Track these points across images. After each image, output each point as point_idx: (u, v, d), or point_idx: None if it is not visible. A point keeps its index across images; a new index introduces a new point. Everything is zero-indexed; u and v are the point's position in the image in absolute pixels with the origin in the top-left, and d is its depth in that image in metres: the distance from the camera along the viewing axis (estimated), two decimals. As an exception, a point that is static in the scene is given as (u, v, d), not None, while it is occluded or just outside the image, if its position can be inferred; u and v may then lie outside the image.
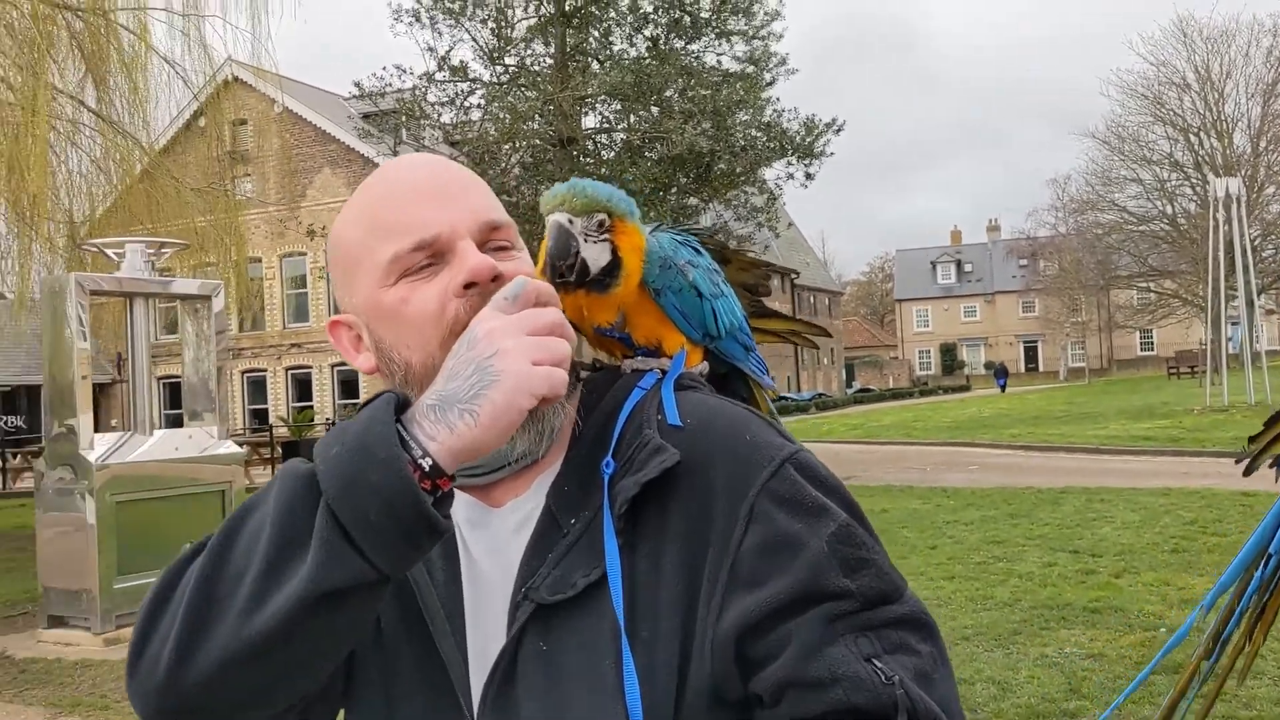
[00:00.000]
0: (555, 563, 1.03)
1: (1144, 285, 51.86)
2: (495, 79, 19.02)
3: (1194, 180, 43.61)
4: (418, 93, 18.66)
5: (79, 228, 14.12)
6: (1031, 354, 76.01)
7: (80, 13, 12.89)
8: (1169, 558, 9.15)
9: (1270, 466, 1.33)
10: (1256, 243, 40.03)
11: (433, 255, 1.05)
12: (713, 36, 18.77)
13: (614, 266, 1.19)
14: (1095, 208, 48.81)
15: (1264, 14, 64.81)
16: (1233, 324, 34.05)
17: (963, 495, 14.22)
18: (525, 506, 1.09)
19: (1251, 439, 1.40)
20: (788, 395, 54.72)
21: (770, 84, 18.81)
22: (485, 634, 1.07)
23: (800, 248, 70.35)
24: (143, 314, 9.51)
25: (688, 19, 18.37)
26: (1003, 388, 56.55)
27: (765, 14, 19.00)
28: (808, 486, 1.02)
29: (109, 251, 9.83)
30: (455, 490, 0.99)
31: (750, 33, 18.84)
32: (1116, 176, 47.47)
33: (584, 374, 1.22)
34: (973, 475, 16.95)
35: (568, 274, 1.16)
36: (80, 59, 13.27)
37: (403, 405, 0.95)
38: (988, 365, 77.34)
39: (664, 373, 1.20)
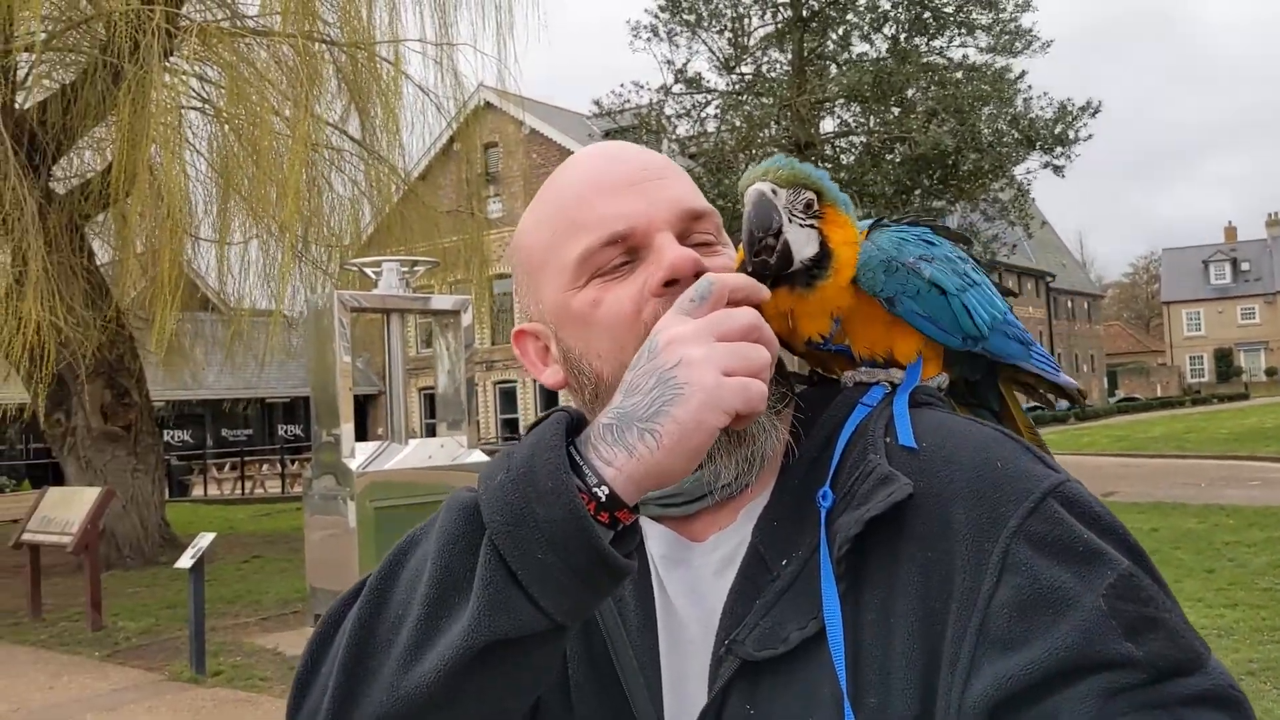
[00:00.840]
0: (764, 611, 0.88)
1: None
2: (730, 88, 19.04)
3: None
4: (654, 106, 18.94)
5: (346, 250, 15.09)
6: (1323, 359, 69.24)
7: (344, 47, 13.77)
8: None
9: None
10: None
11: (628, 251, 0.93)
12: (956, 30, 18.06)
13: (823, 258, 1.01)
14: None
15: None
16: None
17: (1245, 514, 13.03)
18: (730, 542, 0.95)
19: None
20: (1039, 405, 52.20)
21: (1021, 75, 17.91)
22: (683, 691, 0.93)
23: (1055, 248, 67.01)
24: (398, 329, 9.99)
25: (929, 15, 17.76)
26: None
27: (1016, 4, 18.11)
28: (1078, 526, 0.83)
29: (368, 270, 10.40)
30: (648, 522, 0.91)
31: (997, 26, 18.00)
32: None
33: (798, 388, 1.06)
34: (1255, 492, 15.56)
35: (768, 255, 0.98)
36: (344, 90, 14.16)
37: (578, 425, 0.83)
38: (1269, 371, 71.17)
39: (894, 386, 1.01)
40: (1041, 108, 17.88)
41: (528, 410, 34.72)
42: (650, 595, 0.98)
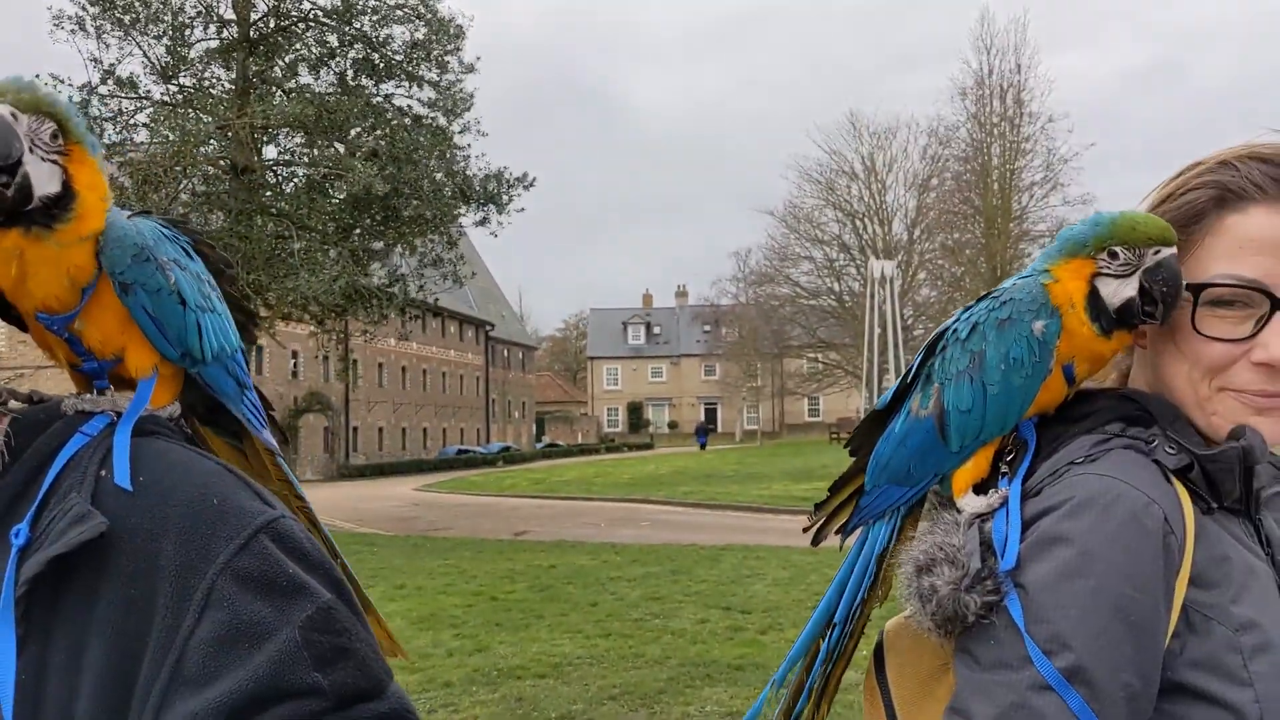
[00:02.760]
0: None
1: (812, 355, 55.88)
2: (168, 98, 17.80)
3: (858, 261, 47.52)
4: (78, 105, 17.17)
5: None
6: (711, 415, 79.59)
7: None
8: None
9: (836, 534, 1.28)
10: (909, 321, 44.05)
11: None
12: (403, 79, 18.49)
13: (66, 199, 0.91)
14: (773, 280, 52.32)
15: (921, 115, 72.19)
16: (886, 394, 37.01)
17: (630, 551, 14.43)
18: None
19: (818, 506, 1.35)
20: (473, 448, 54.42)
21: (461, 132, 18.74)
22: None
23: (497, 300, 70.64)
24: None
25: (377, 57, 18.00)
26: (703, 445, 58.84)
27: (461, 65, 18.97)
28: (285, 561, 0.84)
29: None
30: None
31: (443, 82, 18.72)
32: (792, 253, 51.19)
33: (9, 404, 0.94)
34: (643, 532, 17.31)
35: (4, 187, 0.87)
36: None
37: None
38: (671, 424, 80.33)
39: (119, 415, 0.93)
40: (478, 168, 18.86)
41: None
42: None
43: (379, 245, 18.29)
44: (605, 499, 25.07)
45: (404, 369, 52.68)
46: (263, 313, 16.38)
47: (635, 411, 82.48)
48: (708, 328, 71.29)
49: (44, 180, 0.90)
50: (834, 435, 56.18)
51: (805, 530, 1.45)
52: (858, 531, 1.33)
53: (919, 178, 48.87)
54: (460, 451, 51.48)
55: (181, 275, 1.02)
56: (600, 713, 6.47)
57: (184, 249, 1.06)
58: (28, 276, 0.93)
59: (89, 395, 0.97)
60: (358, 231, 17.70)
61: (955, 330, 1.26)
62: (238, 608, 0.80)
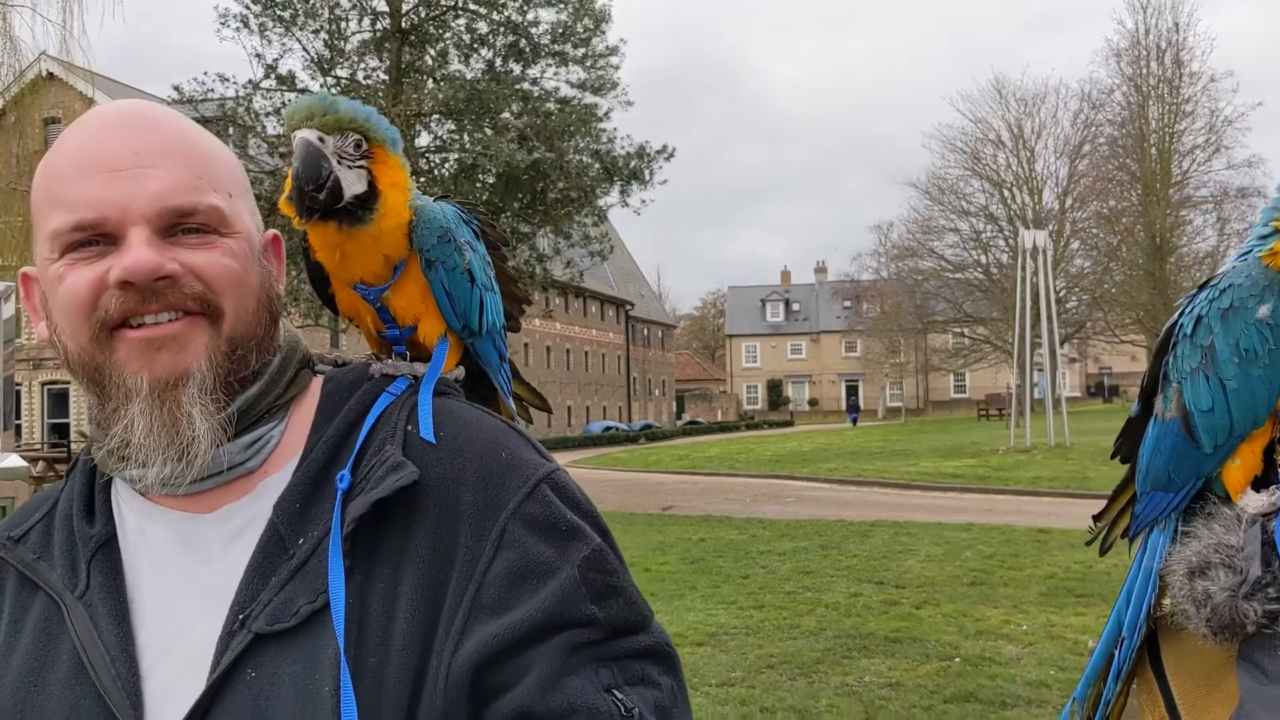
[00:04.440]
0: (278, 587, 0.93)
1: (958, 330, 54.47)
2: (326, 90, 18.53)
3: (1006, 233, 46.14)
4: (242, 100, 18.03)
5: None
6: (853, 391, 78.59)
7: None
8: (968, 590, 9.50)
9: (1124, 537, 1.25)
10: (1061, 294, 42.62)
11: (99, 235, 0.94)
12: (550, 62, 18.82)
13: (370, 198, 1.08)
14: (915, 254, 51.15)
15: (1071, 79, 69.43)
16: (1038, 370, 36.06)
17: (778, 527, 14.49)
18: (243, 514, 0.98)
19: (1096, 517, 1.32)
20: (617, 425, 55.05)
21: (607, 113, 18.99)
22: (176, 665, 0.94)
23: (636, 280, 71.11)
24: (-82, 316, 8.78)
25: (525, 43, 18.36)
26: (854, 421, 58.30)
27: (606, 46, 19.20)
28: (563, 508, 0.98)
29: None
30: (143, 503, 1.00)
31: (588, 61, 18.97)
32: (936, 226, 49.94)
33: (321, 368, 1.11)
34: (789, 508, 17.31)
35: (316, 204, 1.05)
36: None
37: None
38: (811, 401, 79.66)
39: (416, 378, 1.09)
40: (622, 146, 19.06)
41: (80, 415, 31.54)
42: (120, 583, 0.98)
43: (527, 228, 18.71)
44: (749, 475, 25.12)
45: (548, 348, 53.60)
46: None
47: (775, 389, 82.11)
48: (848, 303, 70.28)
49: (352, 184, 1.07)
50: (983, 412, 54.86)
51: (1087, 544, 1.36)
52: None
53: (1070, 144, 47.09)
54: (606, 428, 52.18)
55: (474, 256, 1.18)
56: (760, 680, 6.59)
57: (474, 231, 1.22)
58: (348, 258, 1.10)
59: (390, 360, 1.13)
60: (507, 214, 18.14)
61: (1181, 325, 1.18)
62: (526, 548, 0.94)
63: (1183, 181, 39.37)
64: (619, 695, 0.91)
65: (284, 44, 18.47)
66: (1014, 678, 6.54)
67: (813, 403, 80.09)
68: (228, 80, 18.20)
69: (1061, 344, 38.62)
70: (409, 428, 1.01)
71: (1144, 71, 39.81)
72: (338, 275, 1.12)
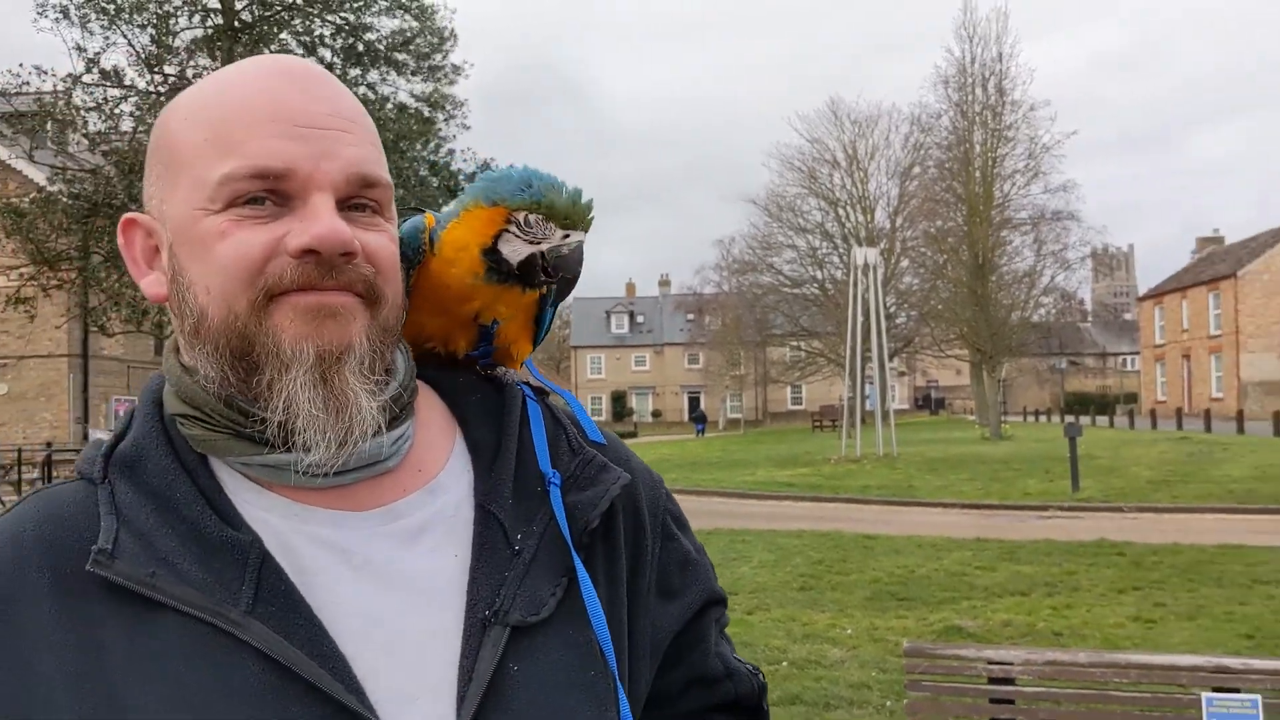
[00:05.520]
0: (519, 581, 0.91)
1: (795, 344, 56.01)
2: (153, 88, 17.79)
3: (841, 250, 47.69)
4: (61, 95, 17.12)
5: None
6: (695, 404, 79.78)
7: None
8: (797, 595, 9.78)
9: None
10: (891, 310, 44.31)
11: (275, 193, 0.85)
12: (388, 69, 18.53)
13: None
14: (755, 269, 52.43)
15: (903, 103, 72.45)
16: (868, 382, 37.34)
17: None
18: (417, 512, 0.93)
19: None
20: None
21: (446, 120, 18.79)
22: (406, 669, 0.86)
23: (479, 290, 70.36)
24: None
25: (363, 48, 18.04)
26: (700, 432, 58.99)
27: (452, 65, 19.03)
28: (677, 503, 1.15)
29: None
30: (274, 502, 0.89)
31: (427, 74, 18.75)
32: (775, 242, 51.34)
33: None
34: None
35: (541, 283, 1.09)
36: None
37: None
38: (654, 413, 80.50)
39: (527, 385, 1.13)
40: (464, 161, 18.91)
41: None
42: (283, 580, 0.85)
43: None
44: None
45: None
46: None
47: (619, 400, 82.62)
48: (691, 316, 71.36)
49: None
50: (817, 423, 56.42)
51: None
52: None
53: (901, 165, 49.06)
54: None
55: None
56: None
57: None
58: (506, 306, 1.11)
59: (504, 368, 1.15)
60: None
61: None
62: (680, 540, 1.10)
63: (1004, 204, 41.36)
64: (740, 658, 1.13)
65: (107, 37, 17.63)
66: (837, 680, 6.76)
67: (656, 414, 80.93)
68: (45, 73, 17.26)
69: (891, 358, 40.16)
70: (576, 429, 1.06)
71: (970, 98, 41.69)
72: (465, 313, 1.10)
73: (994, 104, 41.24)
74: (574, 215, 1.07)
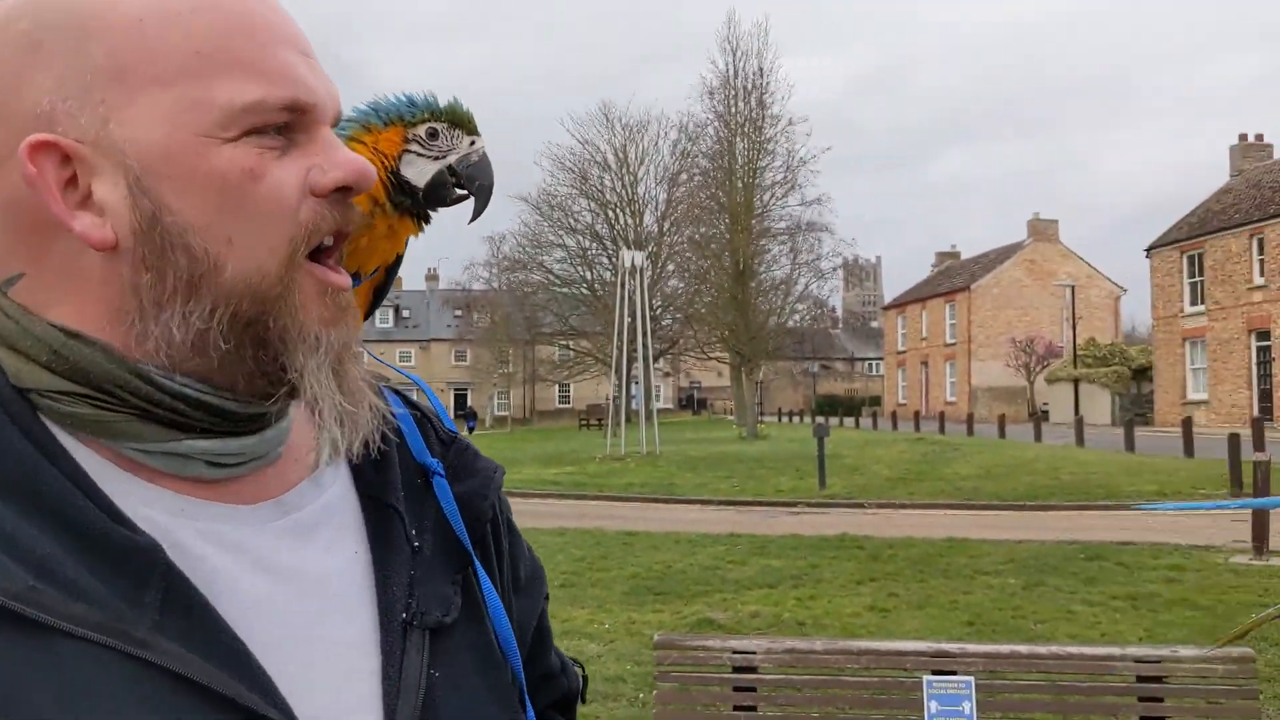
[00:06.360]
0: (426, 580, 0.83)
1: (564, 343, 56.45)
2: None
3: (610, 251, 48.43)
4: None
5: None
6: (461, 401, 79.09)
7: None
8: (558, 592, 9.86)
9: None
10: (657, 312, 45.35)
11: (291, 126, 0.73)
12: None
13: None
14: (525, 267, 52.51)
15: (672, 111, 74.33)
16: (634, 382, 38.11)
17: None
18: (306, 505, 0.80)
19: None
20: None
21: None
22: (325, 679, 0.75)
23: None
24: None
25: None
26: (471, 429, 58.26)
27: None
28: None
29: None
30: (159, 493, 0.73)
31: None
32: (545, 241, 51.58)
33: None
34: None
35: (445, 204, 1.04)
36: None
37: None
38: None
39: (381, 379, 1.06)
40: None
41: None
42: (187, 586, 0.71)
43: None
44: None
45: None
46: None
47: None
48: (459, 312, 70.71)
49: None
50: (584, 421, 57.10)
51: None
52: None
53: (669, 171, 50.33)
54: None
55: None
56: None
57: None
58: (390, 248, 1.06)
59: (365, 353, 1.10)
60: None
61: None
62: (516, 532, 1.02)
63: (763, 214, 43.13)
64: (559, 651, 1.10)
65: None
66: (594, 674, 6.89)
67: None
68: None
69: (656, 359, 41.12)
70: (437, 420, 0.98)
71: (733, 110, 43.22)
72: (355, 261, 1.02)
73: (755, 117, 42.94)
74: (473, 120, 1.02)
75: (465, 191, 1.02)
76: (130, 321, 0.71)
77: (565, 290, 51.62)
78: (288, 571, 0.76)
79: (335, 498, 0.83)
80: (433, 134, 0.98)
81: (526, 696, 0.91)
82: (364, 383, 0.79)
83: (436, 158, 0.99)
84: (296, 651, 0.74)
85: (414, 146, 0.98)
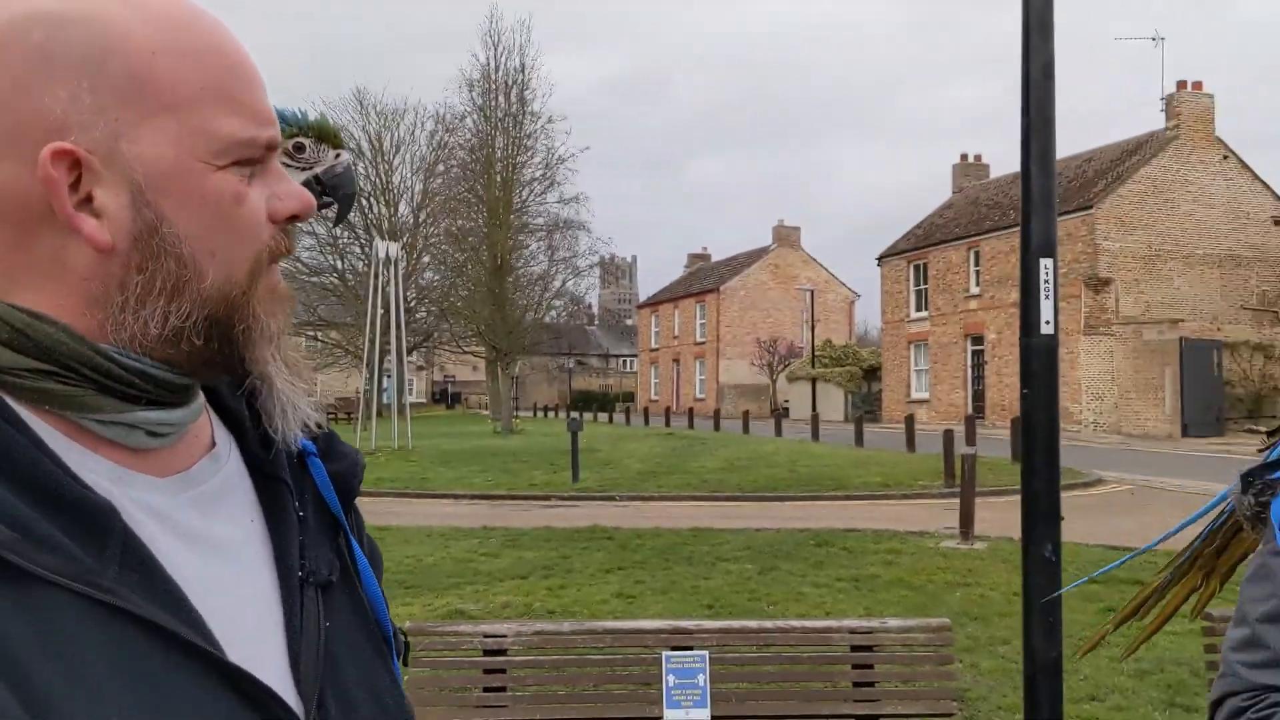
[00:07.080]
0: (314, 544, 0.93)
1: (312, 334, 54.61)
2: None
3: (363, 240, 47.27)
4: None
5: None
6: (201, 393, 75.15)
7: None
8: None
9: None
10: (411, 304, 44.67)
11: (259, 159, 0.84)
12: None
13: None
14: (272, 254, 50.31)
15: (429, 101, 73.21)
16: (386, 375, 37.42)
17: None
18: (211, 478, 0.87)
19: (1269, 433, 1.51)
20: None
21: None
22: (244, 629, 0.84)
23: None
24: None
25: None
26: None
27: None
28: None
29: None
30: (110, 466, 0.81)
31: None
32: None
33: None
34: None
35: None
36: None
37: None
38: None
39: None
40: None
41: None
42: (139, 543, 0.79)
43: None
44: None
45: None
46: None
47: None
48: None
49: None
50: (334, 415, 55.37)
51: (1259, 452, 1.45)
52: None
53: (426, 162, 49.70)
54: None
55: None
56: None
57: None
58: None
59: None
60: None
61: None
62: (359, 514, 1.05)
63: (522, 209, 43.31)
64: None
65: None
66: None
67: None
68: None
69: (410, 352, 40.48)
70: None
71: (493, 104, 43.16)
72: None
73: (515, 112, 43.07)
74: (338, 135, 1.09)
75: (330, 200, 1.11)
76: (107, 313, 0.79)
77: (314, 279, 49.95)
78: (200, 538, 0.84)
79: (232, 472, 0.91)
80: (300, 147, 1.07)
81: (393, 649, 1.00)
82: (302, 362, 0.89)
83: (303, 169, 1.07)
84: (221, 606, 0.81)
85: (282, 158, 1.04)
